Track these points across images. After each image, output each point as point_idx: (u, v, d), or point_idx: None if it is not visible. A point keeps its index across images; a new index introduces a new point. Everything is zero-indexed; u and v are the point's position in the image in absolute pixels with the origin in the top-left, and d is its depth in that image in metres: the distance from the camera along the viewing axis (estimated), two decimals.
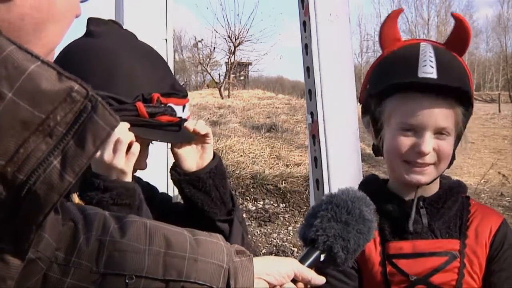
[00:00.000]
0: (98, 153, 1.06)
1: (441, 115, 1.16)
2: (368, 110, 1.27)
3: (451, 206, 1.23)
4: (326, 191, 2.02)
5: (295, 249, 5.07)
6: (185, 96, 1.16)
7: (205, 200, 1.21)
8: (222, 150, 7.36)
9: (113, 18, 1.94)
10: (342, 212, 0.98)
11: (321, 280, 0.97)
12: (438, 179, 1.27)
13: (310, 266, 0.96)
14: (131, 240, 0.82)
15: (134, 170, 1.14)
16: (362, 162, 2.26)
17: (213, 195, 1.22)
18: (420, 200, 1.22)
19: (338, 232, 0.96)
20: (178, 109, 1.12)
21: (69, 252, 0.78)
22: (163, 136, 1.11)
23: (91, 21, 1.12)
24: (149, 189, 1.30)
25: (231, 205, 1.26)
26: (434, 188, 1.25)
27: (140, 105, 1.05)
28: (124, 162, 1.05)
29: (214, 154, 1.26)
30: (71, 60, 1.06)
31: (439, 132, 1.17)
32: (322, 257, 0.97)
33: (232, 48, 20.18)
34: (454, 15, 1.25)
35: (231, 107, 13.21)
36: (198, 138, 1.22)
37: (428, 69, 1.16)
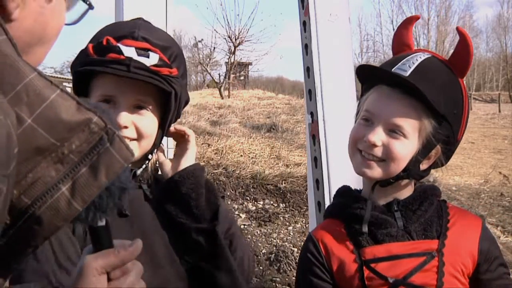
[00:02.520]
0: None
1: (397, 112, 1.16)
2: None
3: (427, 208, 1.23)
4: (326, 191, 2.02)
5: (295, 249, 5.06)
6: (135, 38, 1.13)
7: (174, 209, 1.16)
8: (222, 150, 7.36)
9: (113, 18, 1.94)
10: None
11: (131, 248, 0.77)
12: (411, 184, 1.27)
13: (103, 243, 0.76)
14: None
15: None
16: None
17: (182, 204, 1.16)
18: (394, 203, 1.23)
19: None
20: (128, 50, 1.11)
21: None
22: (104, 70, 1.09)
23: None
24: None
25: (206, 218, 1.18)
26: (408, 191, 1.26)
27: (89, 45, 1.13)
28: None
29: (197, 164, 1.22)
30: None
31: (392, 130, 1.17)
32: (100, 223, 0.75)
33: (232, 48, 20.18)
34: (458, 30, 1.22)
35: (231, 107, 13.20)
36: (176, 139, 1.25)
37: (405, 67, 1.18)
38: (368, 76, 1.26)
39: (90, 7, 0.80)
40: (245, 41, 20.33)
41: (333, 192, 2.06)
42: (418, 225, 1.21)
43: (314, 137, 2.05)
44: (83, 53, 1.14)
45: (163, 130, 1.21)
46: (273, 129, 10.04)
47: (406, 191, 1.25)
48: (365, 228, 1.20)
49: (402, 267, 1.17)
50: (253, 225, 5.63)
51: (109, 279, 0.73)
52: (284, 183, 6.49)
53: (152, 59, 1.12)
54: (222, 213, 1.20)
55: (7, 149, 0.52)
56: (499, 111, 22.72)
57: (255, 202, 6.16)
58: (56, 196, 0.58)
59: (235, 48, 20.12)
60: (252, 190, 6.35)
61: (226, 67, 21.44)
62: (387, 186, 1.23)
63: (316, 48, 2.04)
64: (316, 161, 2.05)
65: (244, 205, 5.96)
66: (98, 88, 1.15)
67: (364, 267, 1.18)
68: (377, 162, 1.19)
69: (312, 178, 2.08)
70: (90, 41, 1.18)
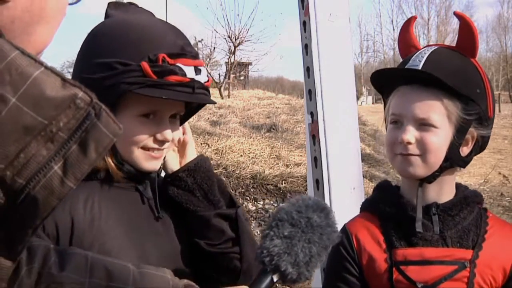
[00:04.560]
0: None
1: (421, 106, 1.16)
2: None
3: (466, 216, 1.21)
4: (326, 191, 2.02)
5: None
6: (194, 56, 1.11)
7: (190, 199, 1.18)
8: (222, 150, 7.35)
9: None
10: (284, 226, 0.95)
11: None
12: (453, 186, 1.25)
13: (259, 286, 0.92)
14: (70, 272, 0.83)
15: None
16: (362, 162, 2.26)
17: (198, 193, 1.19)
18: (433, 206, 1.21)
19: (282, 248, 0.92)
20: (188, 70, 1.08)
21: (11, 283, 0.78)
22: (175, 95, 1.07)
23: (109, 5, 1.18)
24: None
25: (223, 203, 1.23)
26: (449, 194, 1.24)
27: (144, 64, 1.04)
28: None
29: (202, 155, 1.26)
30: (91, 41, 1.13)
31: (422, 124, 1.17)
32: (275, 278, 0.93)
33: (232, 48, 20.17)
34: (456, 14, 1.24)
35: (231, 107, 13.20)
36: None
37: (415, 63, 1.19)
38: (384, 82, 1.26)
39: None
40: (245, 41, 20.32)
41: (333, 192, 2.07)
42: (454, 232, 1.19)
43: (314, 137, 2.05)
44: (131, 69, 1.05)
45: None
46: (273, 129, 10.04)
47: (447, 194, 1.23)
48: (419, 227, 1.18)
49: (432, 273, 1.15)
50: (253, 225, 5.63)
51: None
52: (284, 183, 6.49)
53: (203, 76, 1.11)
54: (235, 199, 1.25)
55: None
56: (499, 111, 22.73)
57: (255, 202, 6.16)
58: (49, 175, 0.58)
59: (235, 48, 20.11)
60: (252, 190, 6.34)
61: (226, 67, 21.43)
62: (433, 182, 1.21)
63: (316, 48, 2.04)
64: (316, 161, 2.05)
65: (244, 205, 5.95)
66: (142, 104, 1.09)
67: (393, 269, 1.17)
68: (417, 157, 1.18)
69: (312, 178, 2.08)
70: (122, 52, 1.07)
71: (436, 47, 1.23)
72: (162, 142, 1.13)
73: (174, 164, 1.22)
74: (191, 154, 1.23)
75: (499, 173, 9.20)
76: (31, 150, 0.57)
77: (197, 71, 1.10)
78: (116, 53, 1.07)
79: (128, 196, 1.15)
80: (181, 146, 1.24)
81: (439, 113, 1.16)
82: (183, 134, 1.24)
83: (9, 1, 0.63)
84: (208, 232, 1.18)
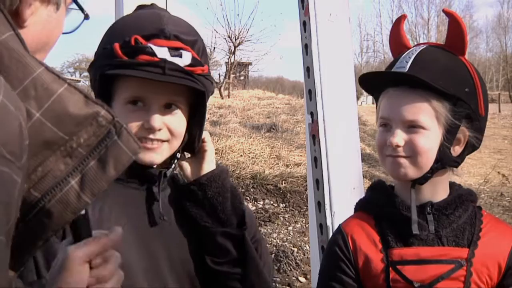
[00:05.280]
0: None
1: (409, 108, 1.16)
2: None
3: (461, 214, 1.21)
4: (326, 191, 2.02)
5: (295, 249, 5.07)
6: (167, 37, 1.07)
7: (199, 213, 1.13)
8: (222, 150, 7.36)
9: (113, 18, 1.94)
10: None
11: (113, 235, 0.78)
12: (446, 185, 1.25)
13: (84, 233, 0.76)
14: None
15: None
16: (362, 162, 2.26)
17: (207, 208, 1.13)
18: (427, 205, 1.21)
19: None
20: (160, 50, 1.05)
21: None
22: (139, 74, 1.03)
23: (136, 8, 1.21)
24: None
25: (234, 221, 1.16)
26: (443, 194, 1.24)
27: (116, 46, 1.05)
28: None
29: (222, 167, 1.20)
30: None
31: (410, 126, 1.17)
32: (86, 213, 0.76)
33: (232, 48, 20.17)
34: (445, 11, 1.24)
35: (231, 107, 13.21)
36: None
37: (402, 64, 1.19)
38: (373, 85, 1.26)
39: (86, 17, 0.82)
40: (245, 41, 20.32)
41: (333, 192, 2.07)
42: (449, 230, 1.19)
43: (314, 137, 2.05)
44: (107, 53, 1.06)
45: (199, 129, 1.17)
46: (273, 129, 10.05)
47: (441, 194, 1.23)
48: (415, 230, 1.18)
49: (429, 273, 1.15)
50: None
51: (90, 268, 0.73)
52: (284, 183, 6.50)
53: (185, 59, 1.07)
54: (248, 218, 1.18)
55: (20, 140, 0.53)
56: (499, 111, 22.73)
57: (255, 202, 6.16)
58: (65, 190, 0.59)
59: (235, 48, 20.12)
60: (252, 190, 6.35)
61: (226, 67, 21.44)
62: (425, 183, 1.20)
63: (316, 48, 2.04)
64: (316, 161, 2.05)
65: None
66: (126, 90, 1.09)
67: (390, 269, 1.17)
68: (406, 159, 1.17)
69: (312, 178, 2.08)
70: (108, 38, 1.10)
71: (424, 46, 1.23)
72: (150, 130, 1.09)
73: (190, 174, 1.17)
74: (208, 165, 1.17)
75: (499, 173, 9.19)
76: (49, 164, 0.58)
77: (174, 53, 1.06)
78: (104, 42, 1.12)
79: (140, 196, 1.14)
80: (199, 154, 1.19)
81: (428, 115, 1.16)
82: (203, 142, 1.19)
83: (24, 28, 0.65)
84: (213, 249, 1.14)
